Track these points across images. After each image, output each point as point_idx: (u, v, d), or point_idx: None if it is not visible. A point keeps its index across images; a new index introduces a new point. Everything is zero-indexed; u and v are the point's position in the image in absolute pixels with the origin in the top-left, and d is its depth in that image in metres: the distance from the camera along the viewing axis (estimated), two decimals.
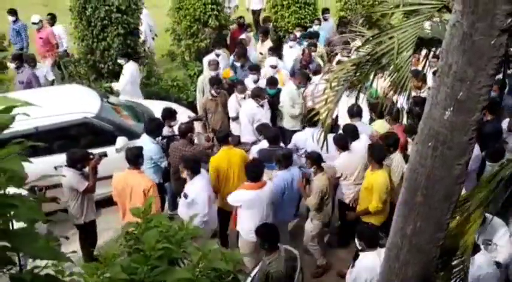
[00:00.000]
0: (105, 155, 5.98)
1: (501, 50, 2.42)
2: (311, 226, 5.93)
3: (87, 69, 9.63)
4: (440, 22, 4.19)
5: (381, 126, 6.96)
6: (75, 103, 7.21)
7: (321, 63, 9.47)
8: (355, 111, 6.84)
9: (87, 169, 5.79)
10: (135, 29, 9.55)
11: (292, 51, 9.85)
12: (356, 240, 4.82)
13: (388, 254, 3.32)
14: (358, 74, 4.02)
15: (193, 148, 6.28)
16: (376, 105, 7.04)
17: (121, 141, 6.65)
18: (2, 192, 1.45)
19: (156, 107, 7.98)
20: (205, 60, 9.47)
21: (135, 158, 5.59)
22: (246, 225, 5.44)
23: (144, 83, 9.63)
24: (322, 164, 5.90)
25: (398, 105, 6.59)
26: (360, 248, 4.76)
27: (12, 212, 1.39)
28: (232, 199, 5.50)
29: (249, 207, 5.41)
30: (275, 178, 5.89)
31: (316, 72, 8.55)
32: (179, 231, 2.27)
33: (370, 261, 4.58)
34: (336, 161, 6.16)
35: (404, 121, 7.18)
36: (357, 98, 4.54)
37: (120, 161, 5.95)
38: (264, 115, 7.50)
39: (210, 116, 7.84)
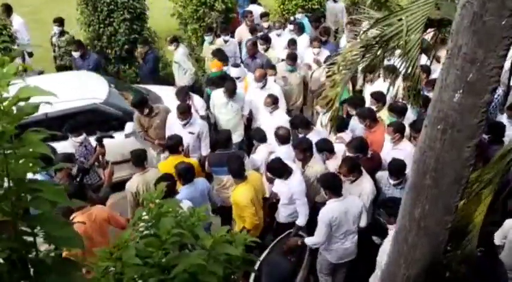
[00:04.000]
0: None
1: None
2: None
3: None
4: (450, 2, 4.12)
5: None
6: (84, 89, 7.24)
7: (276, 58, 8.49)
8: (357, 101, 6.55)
9: (58, 174, 5.27)
10: (142, 14, 9.52)
11: (280, 40, 9.09)
12: (322, 192, 4.87)
13: (396, 237, 3.33)
14: (366, 56, 3.99)
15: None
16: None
17: (130, 126, 6.70)
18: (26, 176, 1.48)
19: (164, 93, 8.00)
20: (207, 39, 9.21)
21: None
22: None
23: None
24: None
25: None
26: (326, 197, 4.79)
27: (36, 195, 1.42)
28: None
29: None
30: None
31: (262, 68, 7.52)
32: (190, 217, 2.30)
33: (332, 205, 4.69)
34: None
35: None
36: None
37: (125, 146, 6.22)
38: (181, 134, 6.14)
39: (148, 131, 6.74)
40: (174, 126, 6.45)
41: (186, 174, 5.19)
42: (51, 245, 1.48)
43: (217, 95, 7.11)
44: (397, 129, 5.63)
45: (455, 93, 2.58)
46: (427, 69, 7.10)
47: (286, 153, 5.64)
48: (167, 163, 5.78)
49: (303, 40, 8.99)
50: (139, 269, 1.98)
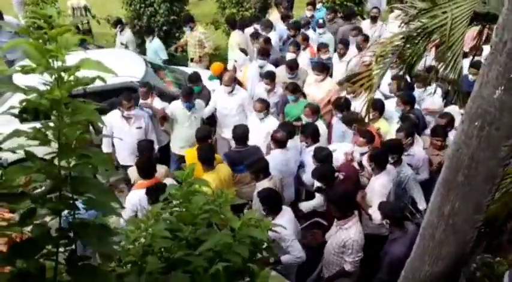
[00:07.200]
0: None
1: None
2: None
3: (133, 34, 9.79)
4: None
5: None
6: (122, 67, 7.36)
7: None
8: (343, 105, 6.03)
9: None
10: None
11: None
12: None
13: (423, 233, 3.30)
14: (407, 48, 3.91)
15: None
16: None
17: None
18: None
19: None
20: (246, 31, 9.17)
21: None
22: None
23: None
24: None
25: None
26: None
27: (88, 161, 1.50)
28: (126, 205, 4.65)
29: (142, 210, 4.49)
30: None
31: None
32: (218, 198, 2.35)
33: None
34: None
35: None
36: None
37: None
38: (127, 131, 6.04)
39: None
40: (118, 124, 6.15)
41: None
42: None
43: (178, 107, 6.36)
44: (409, 133, 5.35)
45: (496, 90, 2.51)
46: None
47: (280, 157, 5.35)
48: (193, 151, 5.56)
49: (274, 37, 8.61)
50: (168, 242, 2.06)
